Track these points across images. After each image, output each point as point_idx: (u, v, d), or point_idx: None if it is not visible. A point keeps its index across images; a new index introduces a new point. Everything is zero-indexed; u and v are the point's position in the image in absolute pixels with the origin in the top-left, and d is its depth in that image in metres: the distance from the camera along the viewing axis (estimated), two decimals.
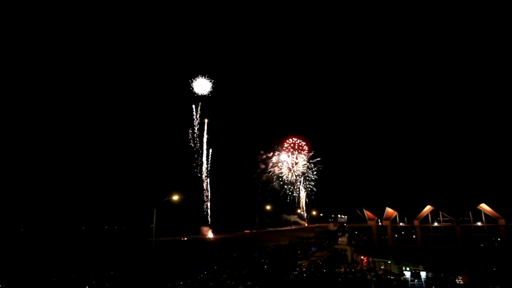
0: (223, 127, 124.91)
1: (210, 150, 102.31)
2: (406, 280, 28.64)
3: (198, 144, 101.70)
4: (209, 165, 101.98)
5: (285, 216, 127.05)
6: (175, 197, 26.58)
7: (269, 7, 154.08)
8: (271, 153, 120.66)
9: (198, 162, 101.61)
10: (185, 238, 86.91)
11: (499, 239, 28.47)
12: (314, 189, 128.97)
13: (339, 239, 68.31)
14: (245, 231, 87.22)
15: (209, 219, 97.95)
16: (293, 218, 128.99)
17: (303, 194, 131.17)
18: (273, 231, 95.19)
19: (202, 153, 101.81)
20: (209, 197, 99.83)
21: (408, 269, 30.36)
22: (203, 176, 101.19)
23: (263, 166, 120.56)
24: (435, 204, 31.65)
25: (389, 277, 28.72)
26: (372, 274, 29.67)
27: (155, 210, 25.74)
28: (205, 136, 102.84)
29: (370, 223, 37.00)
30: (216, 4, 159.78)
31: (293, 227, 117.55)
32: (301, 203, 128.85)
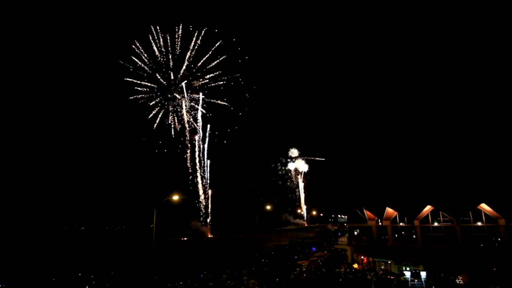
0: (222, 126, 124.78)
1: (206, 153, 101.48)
2: (406, 280, 28.62)
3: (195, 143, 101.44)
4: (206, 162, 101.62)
5: (285, 216, 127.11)
6: (175, 197, 26.62)
7: (269, 12, 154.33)
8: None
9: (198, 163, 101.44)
10: (185, 239, 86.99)
11: (499, 239, 28.41)
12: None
13: (339, 239, 68.20)
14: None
15: (207, 218, 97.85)
16: (293, 218, 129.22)
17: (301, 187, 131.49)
18: (272, 231, 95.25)
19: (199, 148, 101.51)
20: (209, 196, 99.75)
21: (408, 269, 30.30)
22: (203, 173, 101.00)
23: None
24: (435, 204, 31.60)
25: (389, 277, 28.72)
26: (372, 274, 29.68)
27: (155, 210, 25.72)
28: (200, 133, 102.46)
29: (370, 223, 36.96)
30: (218, 5, 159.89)
31: (293, 227, 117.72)
32: (299, 193, 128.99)
